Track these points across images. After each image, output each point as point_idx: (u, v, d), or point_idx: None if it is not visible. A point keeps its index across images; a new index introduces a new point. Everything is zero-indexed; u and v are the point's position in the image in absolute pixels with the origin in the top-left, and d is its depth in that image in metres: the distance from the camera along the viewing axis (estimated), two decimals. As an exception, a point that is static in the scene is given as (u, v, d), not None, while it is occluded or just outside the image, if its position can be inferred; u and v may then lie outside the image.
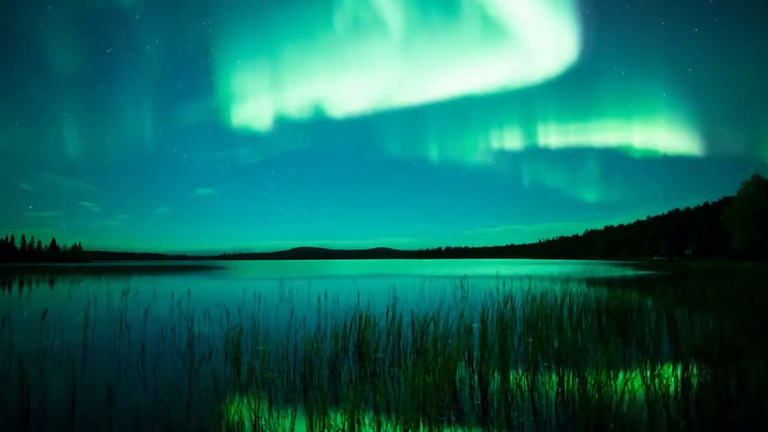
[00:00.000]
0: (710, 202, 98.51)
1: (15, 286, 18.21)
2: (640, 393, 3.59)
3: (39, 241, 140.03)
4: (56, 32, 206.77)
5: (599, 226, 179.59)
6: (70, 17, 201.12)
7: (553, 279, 20.13)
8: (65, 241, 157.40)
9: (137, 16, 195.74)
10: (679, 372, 3.99)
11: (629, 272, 28.26)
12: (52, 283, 20.91)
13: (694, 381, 3.78)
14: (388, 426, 2.95)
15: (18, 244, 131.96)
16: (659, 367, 4.23)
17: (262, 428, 2.96)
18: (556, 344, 5.26)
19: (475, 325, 6.17)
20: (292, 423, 3.04)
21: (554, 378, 4.08)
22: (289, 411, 3.25)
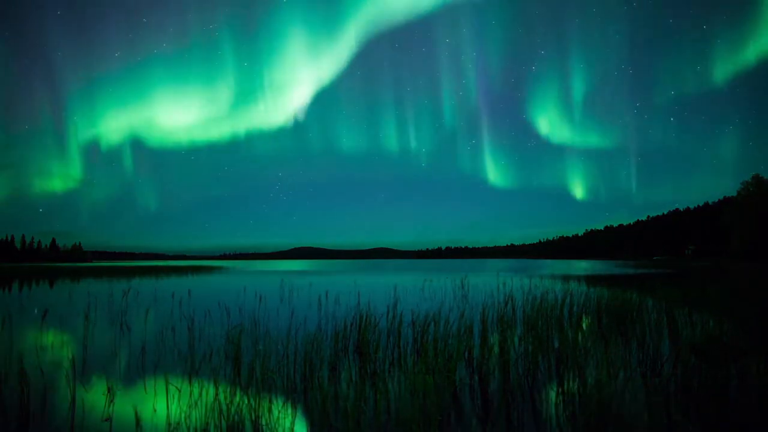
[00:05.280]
0: (710, 202, 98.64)
1: (15, 286, 18.22)
2: (640, 393, 3.59)
3: (39, 241, 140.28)
4: (61, 39, 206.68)
5: (599, 226, 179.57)
6: (78, 23, 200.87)
7: (553, 279, 20.13)
8: (66, 241, 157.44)
9: (144, 20, 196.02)
10: (679, 372, 3.99)
11: (629, 272, 28.26)
12: (52, 283, 20.91)
13: (694, 381, 3.78)
14: (389, 426, 2.95)
15: (18, 244, 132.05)
16: (659, 367, 4.24)
17: (262, 428, 2.96)
18: (556, 344, 5.26)
19: (474, 326, 6.17)
20: (292, 423, 3.05)
21: (554, 378, 4.08)
22: (289, 411, 3.25)
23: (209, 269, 42.10)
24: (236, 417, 2.99)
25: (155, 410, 3.31)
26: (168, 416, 3.11)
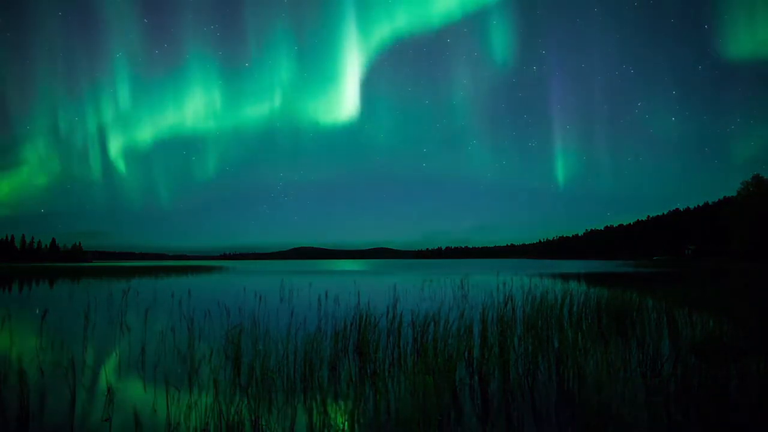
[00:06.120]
0: (710, 202, 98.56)
1: (15, 286, 18.21)
2: (640, 393, 3.59)
3: (39, 241, 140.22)
4: (62, 39, 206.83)
5: (599, 226, 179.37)
6: (80, 23, 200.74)
7: (553, 279, 20.14)
8: (66, 241, 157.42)
9: (145, 20, 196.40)
10: (679, 372, 3.99)
11: (629, 272, 28.26)
12: (52, 283, 20.91)
13: (694, 381, 3.78)
14: (388, 426, 2.95)
15: (18, 244, 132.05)
16: (659, 367, 4.24)
17: (262, 428, 2.96)
18: (556, 344, 5.26)
19: (474, 326, 6.17)
20: (292, 423, 3.05)
21: (554, 378, 4.08)
22: (289, 411, 3.25)
23: (209, 269, 42.10)
24: (236, 417, 2.98)
25: (155, 410, 3.31)
26: (168, 416, 3.11)
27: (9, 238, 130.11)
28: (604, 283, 16.24)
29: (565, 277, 22.27)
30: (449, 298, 11.63)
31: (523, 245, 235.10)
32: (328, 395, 3.47)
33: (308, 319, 7.71)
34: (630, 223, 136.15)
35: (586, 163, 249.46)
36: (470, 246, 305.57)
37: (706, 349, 4.78)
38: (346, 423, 2.88)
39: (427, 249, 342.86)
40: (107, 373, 4.38)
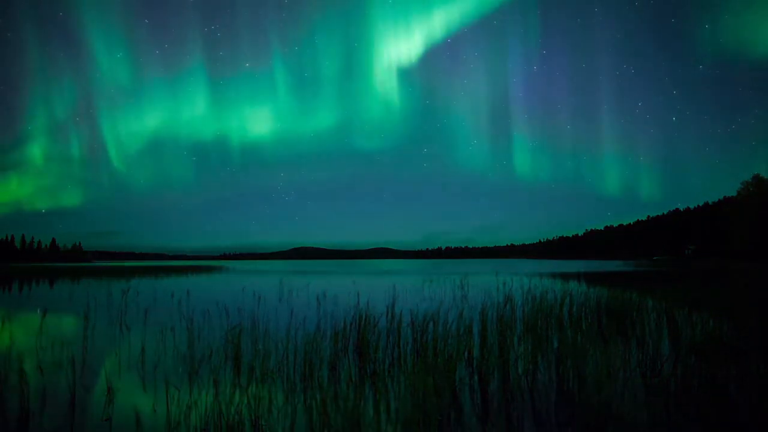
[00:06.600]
0: (710, 202, 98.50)
1: (15, 286, 18.21)
2: (640, 393, 3.59)
3: (39, 241, 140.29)
4: (61, 39, 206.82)
5: (599, 226, 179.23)
6: (80, 24, 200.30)
7: (553, 279, 20.13)
8: (66, 241, 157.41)
9: (146, 21, 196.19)
10: (679, 372, 3.99)
11: (629, 272, 28.25)
12: (52, 283, 20.91)
13: (694, 381, 3.79)
14: (388, 426, 2.95)
15: (18, 244, 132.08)
16: (659, 367, 4.24)
17: (262, 428, 2.96)
18: (555, 344, 5.26)
19: (474, 326, 6.17)
20: (292, 423, 3.05)
21: (554, 378, 4.08)
22: (289, 411, 3.25)
23: (209, 269, 42.10)
24: (236, 417, 2.98)
25: (155, 410, 3.31)
26: (168, 416, 3.11)
27: (9, 238, 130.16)
28: (604, 283, 16.24)
29: (565, 277, 22.26)
30: (449, 298, 11.63)
31: (523, 245, 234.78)
32: (328, 395, 3.47)
33: (308, 319, 7.71)
34: (630, 223, 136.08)
35: (586, 162, 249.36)
36: (470, 246, 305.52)
37: (706, 349, 4.78)
38: (346, 423, 2.88)
39: (428, 249, 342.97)
40: (107, 373, 4.38)
